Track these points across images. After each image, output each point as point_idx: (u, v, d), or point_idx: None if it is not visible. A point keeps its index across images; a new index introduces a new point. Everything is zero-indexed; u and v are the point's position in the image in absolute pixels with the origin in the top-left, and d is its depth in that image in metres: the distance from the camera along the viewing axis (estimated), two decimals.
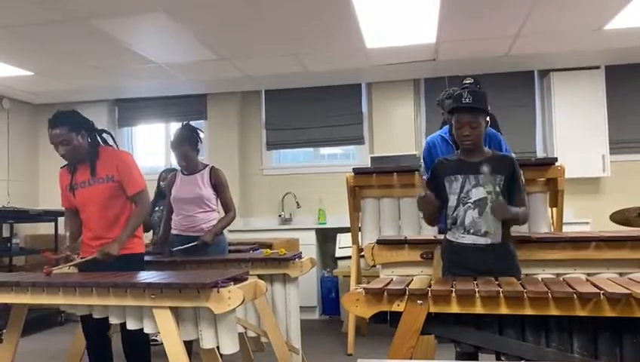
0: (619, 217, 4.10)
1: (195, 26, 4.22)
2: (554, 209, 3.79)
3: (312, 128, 6.25)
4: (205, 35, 4.42)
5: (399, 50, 4.93)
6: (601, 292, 1.87)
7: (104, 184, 2.92)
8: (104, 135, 3.06)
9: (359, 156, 6.27)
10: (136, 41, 4.54)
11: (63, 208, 3.13)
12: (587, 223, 5.12)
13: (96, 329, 2.94)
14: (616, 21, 4.30)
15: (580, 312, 1.88)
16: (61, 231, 5.45)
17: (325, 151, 6.55)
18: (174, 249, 3.58)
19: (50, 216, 5.61)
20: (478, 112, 2.41)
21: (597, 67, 5.56)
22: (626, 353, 1.87)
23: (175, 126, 6.27)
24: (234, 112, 6.36)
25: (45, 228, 5.97)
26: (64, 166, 3.05)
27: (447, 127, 3.61)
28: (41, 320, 5.34)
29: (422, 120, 6.11)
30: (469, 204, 2.40)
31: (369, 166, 5.43)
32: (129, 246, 2.94)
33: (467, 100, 2.38)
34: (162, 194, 4.42)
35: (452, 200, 2.45)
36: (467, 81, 4.21)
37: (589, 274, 2.66)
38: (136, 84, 5.94)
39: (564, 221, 3.89)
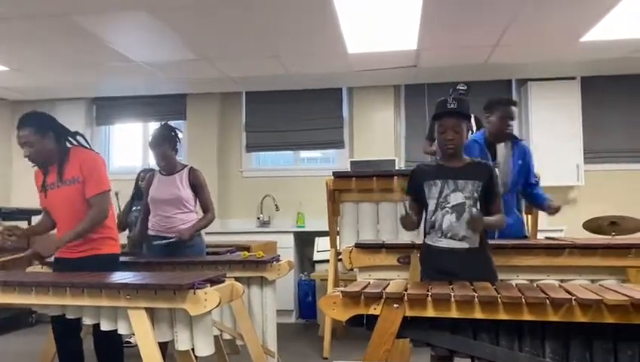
0: (592, 225, 4.18)
1: (177, 26, 4.19)
2: (529, 216, 3.86)
3: (292, 131, 6.25)
4: (186, 34, 4.39)
5: (380, 56, 4.96)
6: (573, 298, 1.91)
7: (70, 186, 2.87)
8: (78, 137, 3.01)
9: (339, 160, 6.29)
10: (116, 39, 4.49)
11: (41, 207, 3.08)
12: (561, 231, 5.21)
13: (67, 330, 2.89)
14: (592, 33, 4.40)
15: (553, 317, 1.91)
16: None
17: (305, 154, 6.56)
18: (155, 243, 3.54)
19: (23, 214, 5.49)
20: (461, 118, 2.46)
21: (573, 78, 5.67)
22: (596, 358, 1.91)
23: (153, 126, 6.22)
24: (214, 113, 6.33)
25: None
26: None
27: (481, 131, 3.57)
28: (11, 321, 5.24)
29: (402, 126, 6.16)
30: (447, 209, 2.44)
31: (349, 170, 5.45)
32: (99, 246, 2.90)
33: (452, 105, 2.44)
34: (140, 194, 4.37)
35: (431, 205, 2.48)
36: (462, 87, 4.28)
37: (561, 281, 2.71)
38: (115, 83, 5.87)
39: (538, 228, 3.96)
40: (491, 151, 3.45)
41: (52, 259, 3.00)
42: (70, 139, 2.99)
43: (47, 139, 2.86)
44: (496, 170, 3.35)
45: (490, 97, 3.59)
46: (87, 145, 3.05)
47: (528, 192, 3.57)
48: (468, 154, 3.39)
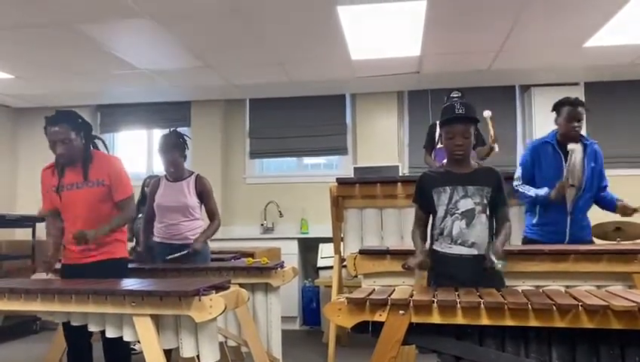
0: (597, 231, 4.15)
1: (181, 34, 4.21)
2: None
3: (295, 138, 6.26)
4: (191, 42, 4.42)
5: (384, 63, 4.98)
6: (580, 304, 1.90)
7: (94, 188, 2.89)
8: (96, 140, 3.04)
9: (342, 166, 6.29)
10: (120, 47, 4.51)
11: (45, 211, 3.06)
12: None
13: (78, 335, 2.89)
14: (595, 39, 4.41)
15: (559, 323, 1.91)
16: (39, 237, 5.38)
17: (309, 160, 6.56)
18: (168, 257, 3.54)
19: (27, 221, 5.51)
20: (469, 123, 2.46)
21: (576, 83, 5.67)
22: None
23: (158, 132, 6.24)
24: (218, 120, 6.35)
25: (22, 234, 5.87)
26: (48, 167, 3.00)
27: (553, 132, 3.50)
28: (15, 328, 5.24)
29: (405, 132, 6.16)
30: (457, 215, 2.43)
31: (352, 176, 5.45)
32: (113, 250, 2.92)
33: (460, 111, 2.43)
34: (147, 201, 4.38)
35: (440, 211, 2.47)
36: (455, 94, 4.28)
37: (567, 287, 2.70)
38: (120, 90, 5.89)
39: None
40: (564, 152, 3.40)
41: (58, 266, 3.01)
42: (94, 141, 3.02)
43: (80, 138, 2.90)
44: (566, 170, 3.33)
45: (560, 98, 3.50)
46: (105, 149, 3.10)
47: (600, 196, 3.49)
48: (541, 156, 3.42)
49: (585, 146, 3.45)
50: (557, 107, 3.47)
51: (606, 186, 3.51)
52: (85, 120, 2.99)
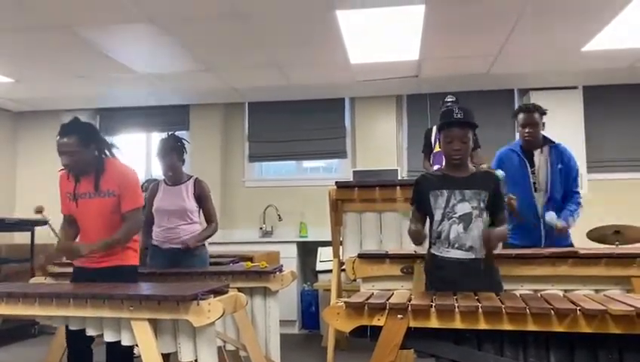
0: (595, 235, 4.16)
1: (181, 37, 4.22)
2: None
3: (295, 141, 6.27)
4: (190, 46, 4.42)
5: (383, 67, 4.99)
6: (578, 308, 1.90)
7: (105, 198, 2.88)
8: (113, 149, 3.03)
9: (341, 170, 6.30)
10: (120, 51, 4.52)
11: (62, 214, 3.05)
12: None
13: (77, 338, 2.88)
14: (593, 43, 4.42)
15: (557, 328, 1.91)
16: (37, 240, 5.37)
17: (308, 164, 6.57)
18: (164, 247, 3.57)
19: (26, 225, 5.50)
20: (468, 127, 2.46)
21: (575, 87, 5.68)
22: None
23: (157, 136, 6.24)
24: (217, 124, 6.35)
25: (21, 238, 5.86)
26: (63, 169, 2.99)
27: (518, 139, 3.57)
28: (13, 332, 5.23)
29: (404, 135, 6.17)
30: (454, 219, 2.43)
31: (351, 180, 5.45)
32: (122, 257, 2.91)
33: (459, 115, 2.44)
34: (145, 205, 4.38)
35: (437, 215, 2.47)
36: (449, 99, 4.29)
37: (565, 291, 2.69)
38: (119, 94, 5.89)
39: None
40: (529, 158, 3.45)
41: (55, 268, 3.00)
42: (108, 151, 3.00)
43: (89, 150, 2.87)
44: (533, 176, 3.38)
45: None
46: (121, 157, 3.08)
47: (564, 203, 3.41)
48: (506, 163, 3.44)
49: (551, 150, 3.47)
50: (513, 115, 3.58)
51: (576, 193, 3.46)
52: (98, 132, 2.97)
